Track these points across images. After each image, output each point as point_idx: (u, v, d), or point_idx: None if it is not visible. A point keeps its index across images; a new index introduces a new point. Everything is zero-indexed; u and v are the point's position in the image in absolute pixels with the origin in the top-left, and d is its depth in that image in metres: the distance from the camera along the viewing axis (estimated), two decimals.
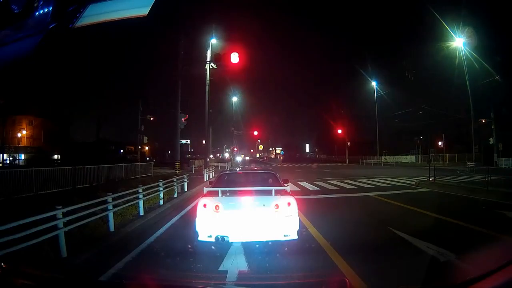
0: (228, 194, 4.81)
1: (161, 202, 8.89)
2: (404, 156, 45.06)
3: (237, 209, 4.53)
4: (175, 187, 10.36)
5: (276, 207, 4.55)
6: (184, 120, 12.24)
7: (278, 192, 4.74)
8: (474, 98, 37.57)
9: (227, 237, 4.38)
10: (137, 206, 7.43)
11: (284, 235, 4.43)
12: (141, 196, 7.51)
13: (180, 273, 3.81)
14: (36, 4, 2.72)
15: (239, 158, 55.51)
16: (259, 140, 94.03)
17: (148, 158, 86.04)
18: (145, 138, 27.41)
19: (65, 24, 3.11)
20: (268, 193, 4.69)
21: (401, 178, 17.04)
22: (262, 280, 3.63)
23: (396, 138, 56.90)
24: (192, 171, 24.14)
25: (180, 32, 16.82)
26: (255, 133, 47.87)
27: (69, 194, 9.94)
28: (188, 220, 6.24)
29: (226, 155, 72.04)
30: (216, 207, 4.51)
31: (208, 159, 21.47)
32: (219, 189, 4.75)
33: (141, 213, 7.45)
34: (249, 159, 78.82)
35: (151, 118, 28.88)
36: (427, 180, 14.65)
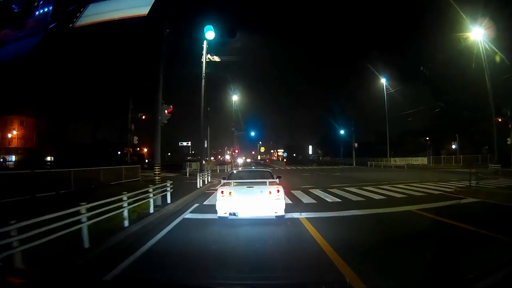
0: (237, 184, 6.76)
1: (126, 223, 6.26)
2: (415, 158, 42.28)
3: (243, 195, 6.40)
4: (151, 200, 7.73)
5: (269, 193, 6.31)
6: (168, 112, 9.68)
7: (271, 183, 6.63)
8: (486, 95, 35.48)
9: (237, 213, 6.25)
10: (87, 231, 4.84)
11: (275, 212, 6.26)
12: (84, 219, 4.91)
13: None
14: (36, 4, 2.80)
15: (240, 160, 54.49)
16: (260, 142, 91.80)
17: (147, 160, 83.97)
18: (135, 138, 24.84)
19: (65, 24, 3.13)
20: (264, 183, 6.59)
21: (428, 183, 14.38)
22: (262, 277, 3.58)
23: (401, 139, 54.32)
24: (186, 174, 21.56)
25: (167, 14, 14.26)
26: (253, 133, 45.30)
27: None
28: (162, 256, 4.34)
29: (228, 157, 70.46)
30: (230, 193, 6.42)
31: (204, 162, 18.85)
32: (232, 181, 7.01)
33: (86, 245, 4.85)
34: (250, 161, 76.71)
35: (143, 117, 26.26)
36: (467, 187, 12.09)
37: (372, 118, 57.14)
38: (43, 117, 53.83)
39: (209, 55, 22.07)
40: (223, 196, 6.43)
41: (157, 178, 9.26)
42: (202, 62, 21.15)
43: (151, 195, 7.83)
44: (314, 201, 9.12)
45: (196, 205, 8.95)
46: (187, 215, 7.45)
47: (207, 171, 18.35)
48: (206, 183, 15.86)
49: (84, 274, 3.81)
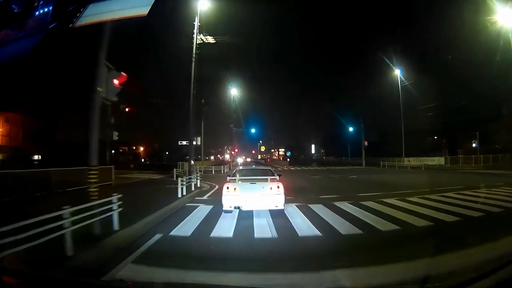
0: (241, 181, 7.26)
1: None
2: (431, 158, 38.66)
3: (247, 190, 6.92)
4: (67, 234, 4.09)
5: (270, 189, 6.88)
6: (119, 83, 6.09)
7: (272, 180, 7.14)
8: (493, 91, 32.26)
9: (241, 206, 6.76)
10: None
11: (275, 206, 6.76)
12: None
13: None
14: (36, 4, 2.90)
15: (240, 160, 52.23)
16: (260, 141, 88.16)
17: (143, 160, 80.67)
18: (115, 134, 21.04)
19: (65, 24, 3.18)
20: (266, 180, 7.08)
21: (478, 191, 10.81)
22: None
23: (409, 138, 50.87)
24: (173, 177, 17.89)
25: None
26: (254, 130, 41.67)
27: None
28: None
29: (227, 156, 67.88)
30: (235, 189, 6.96)
31: (192, 162, 15.21)
32: (237, 178, 7.38)
33: None
34: (250, 161, 73.59)
35: (126, 109, 22.52)
36: None
37: (374, 117, 53.81)
38: (31, 114, 50.75)
39: (201, 36, 18.55)
40: (228, 191, 6.96)
41: (92, 189, 5.62)
42: (193, 41, 17.81)
43: (67, 224, 4.21)
44: (358, 231, 5.37)
45: (157, 237, 5.22)
46: (125, 269, 3.77)
47: (196, 173, 14.75)
48: (193, 189, 12.24)
49: (82, 274, 3.46)
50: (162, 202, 8.43)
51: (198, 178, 13.98)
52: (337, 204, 8.23)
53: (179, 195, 10.10)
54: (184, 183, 10.83)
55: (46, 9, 2.91)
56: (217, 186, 13.95)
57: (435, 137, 51.48)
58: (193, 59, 17.49)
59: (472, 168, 30.76)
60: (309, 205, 8.00)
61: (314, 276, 3.37)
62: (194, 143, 29.72)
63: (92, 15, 3.21)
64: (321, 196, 9.76)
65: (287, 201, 7.43)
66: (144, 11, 3.34)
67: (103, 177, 14.86)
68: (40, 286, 1.77)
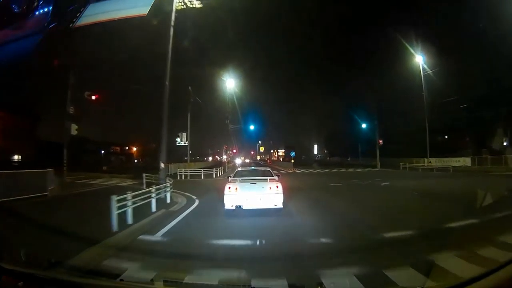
0: (242, 181, 7.57)
1: None
2: (456, 159, 34.04)
3: (248, 190, 7.24)
4: None
5: (269, 188, 7.26)
6: None
7: (271, 180, 7.57)
8: None
9: (242, 205, 7.12)
10: None
11: (275, 205, 7.16)
12: None
13: None
14: (36, 4, 3.03)
15: (238, 161, 50.24)
16: (260, 142, 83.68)
17: (136, 160, 75.89)
18: (74, 126, 16.39)
19: (65, 24, 3.48)
20: (265, 180, 7.52)
21: None
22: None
23: (419, 137, 46.41)
24: (143, 185, 13.14)
25: None
26: (252, 127, 37.10)
27: None
28: None
29: (225, 157, 63.87)
30: (236, 188, 7.26)
31: (162, 165, 10.46)
32: (238, 178, 7.72)
33: None
34: (249, 161, 69.52)
35: (93, 97, 17.87)
36: None
37: (379, 114, 49.37)
38: (12, 110, 46.38)
39: None
40: (230, 191, 7.24)
41: None
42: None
43: None
44: None
45: None
46: None
47: (169, 181, 10.05)
48: (154, 210, 7.51)
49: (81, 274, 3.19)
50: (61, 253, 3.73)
51: (169, 189, 9.27)
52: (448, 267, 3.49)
53: (114, 228, 5.38)
54: (130, 203, 6.11)
55: (46, 9, 3.13)
56: (197, 202, 9.26)
57: (445, 136, 47.25)
58: (171, 26, 12.75)
59: (505, 170, 26.43)
60: (385, 272, 3.28)
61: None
62: (179, 140, 25.09)
63: (92, 15, 3.46)
64: (385, 235, 5.05)
65: (330, 261, 4.05)
66: (143, 11, 3.64)
67: (31, 186, 10.23)
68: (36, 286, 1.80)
